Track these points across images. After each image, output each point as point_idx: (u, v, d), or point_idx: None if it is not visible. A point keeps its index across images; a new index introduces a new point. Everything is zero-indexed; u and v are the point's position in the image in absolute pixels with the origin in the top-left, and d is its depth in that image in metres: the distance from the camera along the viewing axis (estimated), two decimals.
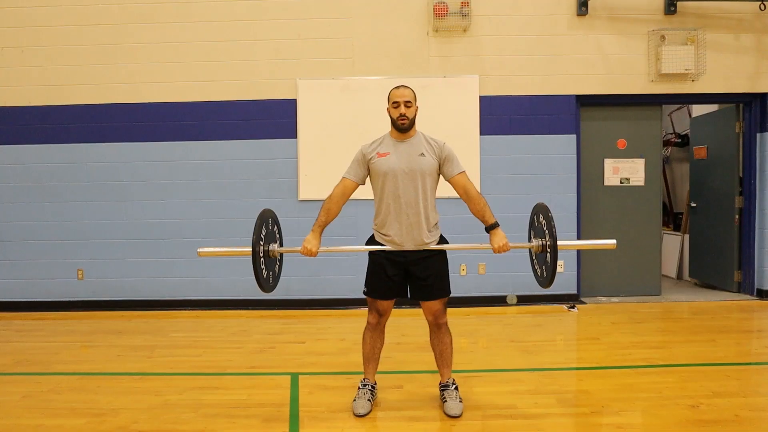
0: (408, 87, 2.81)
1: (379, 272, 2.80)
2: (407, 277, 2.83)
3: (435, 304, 2.82)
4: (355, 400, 2.85)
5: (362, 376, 2.96)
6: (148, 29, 5.28)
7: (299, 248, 2.74)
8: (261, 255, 2.70)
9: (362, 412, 2.78)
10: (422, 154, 2.75)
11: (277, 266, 2.97)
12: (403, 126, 2.75)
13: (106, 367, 3.65)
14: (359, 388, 2.90)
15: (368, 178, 2.86)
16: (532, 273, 3.04)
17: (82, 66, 5.31)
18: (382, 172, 2.75)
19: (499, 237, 2.75)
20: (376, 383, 2.95)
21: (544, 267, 2.81)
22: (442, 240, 2.87)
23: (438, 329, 2.86)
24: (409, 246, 2.74)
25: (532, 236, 2.92)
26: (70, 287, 5.42)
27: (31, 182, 5.39)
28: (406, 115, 2.74)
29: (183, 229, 5.37)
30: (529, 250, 2.93)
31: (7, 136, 5.37)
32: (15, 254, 5.42)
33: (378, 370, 2.99)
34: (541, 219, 2.82)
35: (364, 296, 2.87)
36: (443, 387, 2.89)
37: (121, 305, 5.39)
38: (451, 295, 2.89)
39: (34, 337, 4.50)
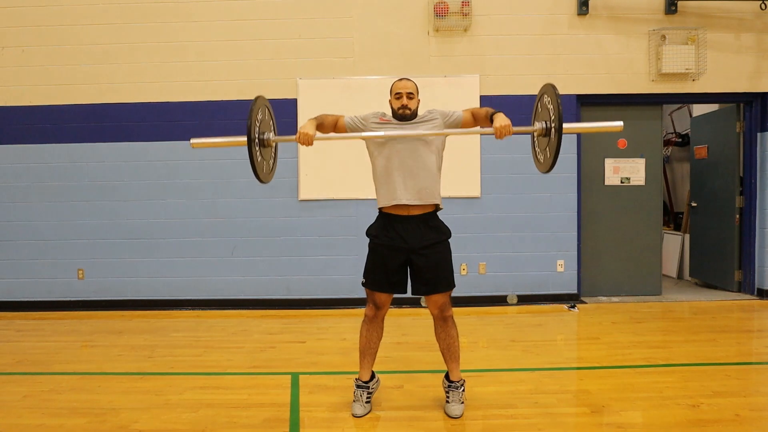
0: (411, 80, 2.83)
1: (380, 264, 2.76)
2: (410, 269, 2.78)
3: (440, 297, 2.76)
4: (353, 402, 2.83)
5: (357, 375, 2.90)
6: (148, 29, 5.28)
7: (294, 136, 2.68)
8: (257, 143, 2.62)
9: (360, 413, 2.77)
10: (426, 125, 2.77)
11: (272, 156, 2.89)
12: (404, 115, 2.77)
13: (106, 366, 3.65)
14: (355, 389, 2.85)
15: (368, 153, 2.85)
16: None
17: (82, 66, 5.31)
18: (382, 149, 2.73)
19: (502, 118, 2.66)
20: (372, 377, 2.88)
21: (547, 150, 2.65)
22: (444, 226, 2.82)
23: (444, 322, 2.80)
24: (414, 200, 2.69)
25: (535, 119, 2.76)
26: (70, 287, 5.42)
27: (31, 182, 5.40)
28: (408, 105, 2.76)
29: (183, 229, 5.37)
30: (532, 134, 2.79)
31: (7, 136, 5.37)
32: (15, 254, 5.42)
33: (378, 369, 2.99)
34: (546, 100, 2.65)
35: (363, 287, 2.82)
36: (451, 385, 2.82)
37: (122, 305, 5.40)
38: (452, 295, 2.85)
39: (34, 337, 4.50)
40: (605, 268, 5.57)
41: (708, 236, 6.02)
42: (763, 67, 5.32)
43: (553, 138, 2.57)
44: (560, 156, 5.67)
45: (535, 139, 2.81)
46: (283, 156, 5.30)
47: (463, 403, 2.80)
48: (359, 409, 2.78)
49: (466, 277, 5.34)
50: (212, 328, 4.67)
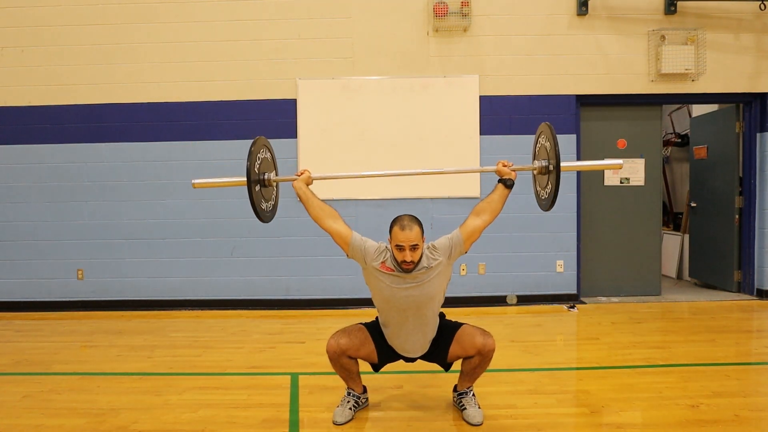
0: (415, 223, 2.50)
1: (372, 344, 2.73)
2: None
3: (473, 339, 2.58)
4: (337, 407, 2.76)
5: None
6: (148, 29, 5.28)
7: (293, 176, 2.67)
8: (258, 184, 2.61)
9: (341, 420, 2.67)
10: (429, 279, 2.55)
11: (274, 195, 2.87)
12: (407, 270, 2.52)
13: (106, 367, 3.65)
14: (344, 395, 2.80)
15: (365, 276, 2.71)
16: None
17: (82, 66, 5.31)
18: (383, 294, 2.59)
19: (503, 162, 2.70)
20: (364, 391, 2.85)
21: (548, 187, 2.66)
22: (441, 317, 2.75)
23: (483, 358, 2.60)
24: (416, 353, 2.70)
25: (535, 157, 2.78)
26: (70, 287, 5.42)
27: (31, 182, 5.39)
28: (412, 260, 2.49)
29: (183, 229, 5.37)
30: (532, 172, 2.80)
31: (7, 136, 5.37)
32: (15, 254, 5.42)
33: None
34: (544, 140, 2.66)
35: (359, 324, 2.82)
36: (461, 394, 2.77)
37: (121, 305, 5.40)
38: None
39: (34, 337, 4.50)
40: (605, 268, 5.57)
41: (707, 236, 6.02)
42: (763, 68, 5.33)
43: (551, 177, 2.57)
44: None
45: (536, 177, 2.84)
46: (283, 156, 5.31)
47: (480, 408, 2.72)
48: (341, 416, 2.68)
49: (465, 278, 5.34)
50: (212, 328, 4.67)
